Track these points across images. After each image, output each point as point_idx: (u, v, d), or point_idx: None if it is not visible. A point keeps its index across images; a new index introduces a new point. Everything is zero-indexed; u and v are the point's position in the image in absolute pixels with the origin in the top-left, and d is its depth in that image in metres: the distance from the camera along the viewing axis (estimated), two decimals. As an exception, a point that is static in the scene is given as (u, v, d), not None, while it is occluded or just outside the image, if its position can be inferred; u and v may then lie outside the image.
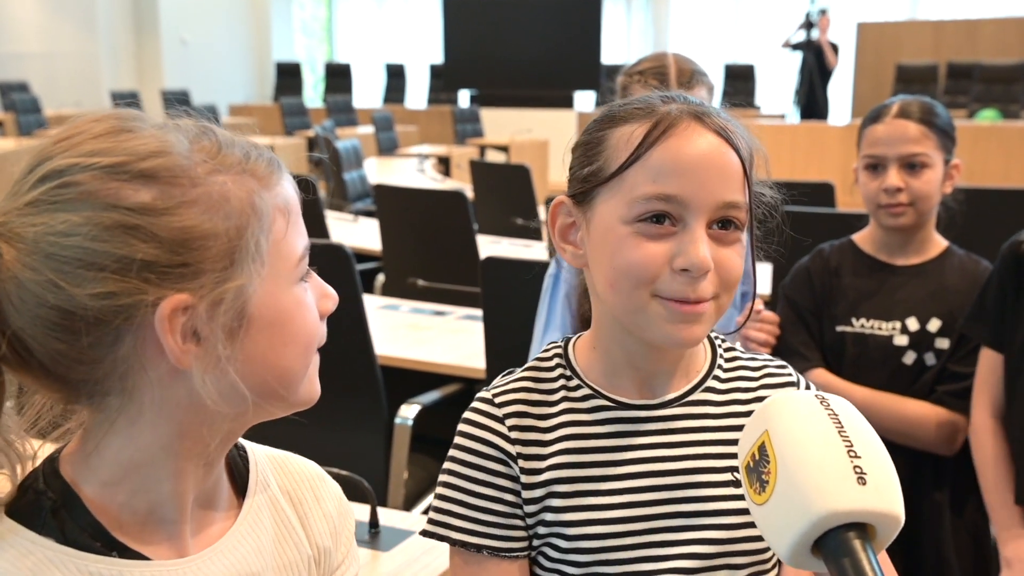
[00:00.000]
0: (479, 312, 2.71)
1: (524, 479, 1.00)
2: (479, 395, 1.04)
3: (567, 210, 1.01)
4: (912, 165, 1.87)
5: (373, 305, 3.36)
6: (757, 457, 0.72)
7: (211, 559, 0.82)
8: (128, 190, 0.73)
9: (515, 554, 1.00)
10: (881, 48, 11.99)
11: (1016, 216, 3.92)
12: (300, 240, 0.81)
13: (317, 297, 0.83)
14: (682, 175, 0.93)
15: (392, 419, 2.50)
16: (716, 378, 1.04)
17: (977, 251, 1.98)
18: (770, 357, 1.09)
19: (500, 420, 1.01)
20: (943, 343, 1.89)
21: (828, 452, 0.68)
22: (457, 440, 1.02)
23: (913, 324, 1.91)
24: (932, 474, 1.93)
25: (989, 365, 1.79)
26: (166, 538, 0.81)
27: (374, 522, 1.59)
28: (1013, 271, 1.74)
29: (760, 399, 1.04)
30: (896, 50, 11.84)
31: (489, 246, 4.34)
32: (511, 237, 4.87)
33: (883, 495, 0.66)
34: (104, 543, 0.77)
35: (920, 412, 1.90)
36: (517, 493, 1.00)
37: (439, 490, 1.02)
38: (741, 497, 0.98)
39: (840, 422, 0.70)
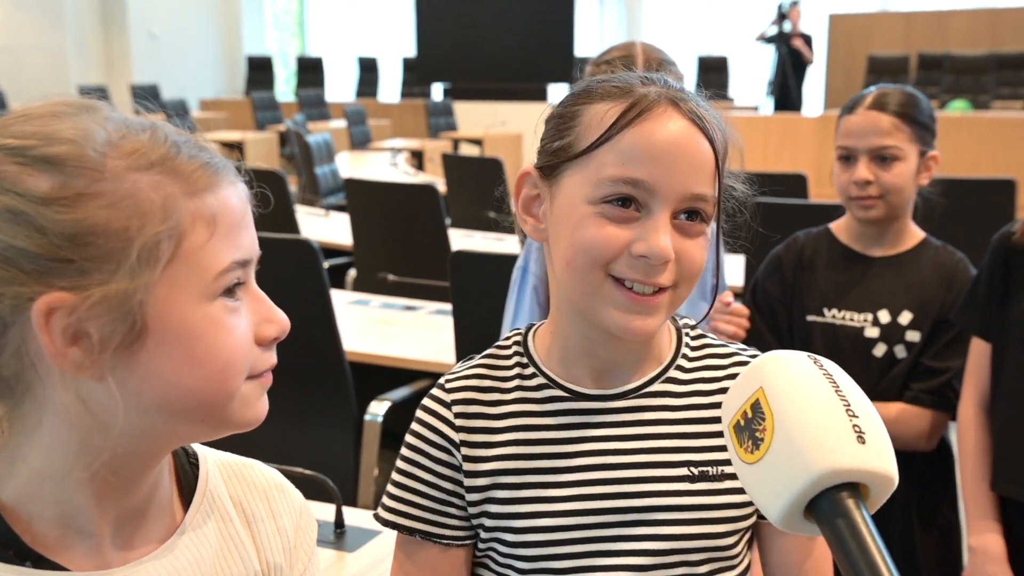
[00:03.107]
0: (450, 307, 2.70)
1: (467, 467, 0.99)
2: (437, 382, 1.04)
3: (533, 182, 0.99)
4: (883, 158, 1.86)
5: (343, 300, 3.35)
6: (750, 415, 0.70)
7: (135, 572, 0.78)
8: (26, 175, 0.70)
9: (447, 541, 1.00)
10: (852, 40, 12.07)
11: (987, 206, 3.95)
12: (227, 253, 0.75)
13: (258, 321, 0.78)
14: (652, 161, 0.91)
15: (362, 416, 2.49)
16: (679, 368, 1.02)
17: (951, 241, 1.98)
18: (742, 346, 1.07)
19: (447, 406, 1.00)
20: (914, 336, 1.89)
21: (828, 410, 0.66)
22: (412, 426, 1.02)
23: (884, 316, 1.90)
24: (902, 473, 1.92)
25: (978, 355, 1.79)
26: (84, 552, 0.77)
27: (339, 522, 1.57)
28: (1001, 261, 1.75)
29: (725, 390, 1.01)
30: (867, 42, 11.91)
31: (461, 240, 4.33)
32: (484, 231, 4.85)
33: (880, 455, 0.65)
34: (17, 552, 0.74)
35: (898, 413, 1.88)
36: (457, 482, 0.99)
37: (393, 475, 1.02)
38: (698, 492, 0.98)
39: (836, 382, 0.69)
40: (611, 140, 0.92)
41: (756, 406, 0.70)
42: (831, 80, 12.23)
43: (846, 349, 1.91)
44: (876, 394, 1.88)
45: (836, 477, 0.64)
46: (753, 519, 1.00)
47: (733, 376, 1.03)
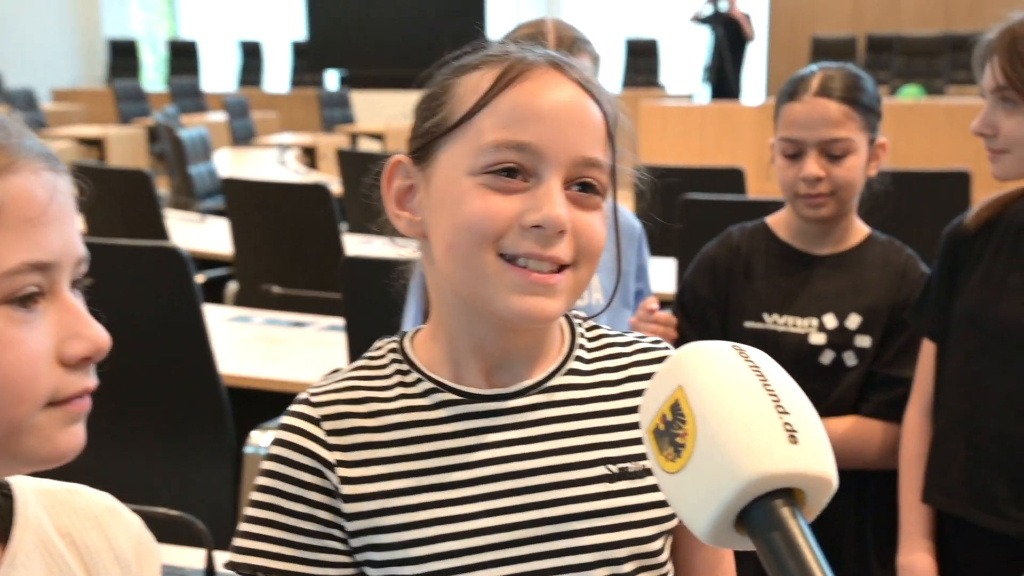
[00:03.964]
0: (343, 322, 2.70)
1: (345, 490, 0.96)
2: (296, 398, 1.01)
3: (405, 171, 0.99)
4: (833, 151, 1.86)
5: (221, 317, 3.33)
6: (670, 418, 0.69)
7: None
8: None
9: None
10: (795, 20, 12.37)
11: (943, 200, 4.07)
12: (14, 252, 0.72)
13: (63, 336, 0.75)
14: (537, 122, 0.92)
15: (241, 448, 2.46)
16: (579, 359, 1.03)
17: (902, 238, 2.01)
18: (640, 333, 1.09)
19: (316, 422, 0.97)
20: (864, 341, 1.90)
21: (755, 408, 0.66)
22: (269, 449, 0.99)
23: (831, 321, 1.92)
24: (855, 493, 1.95)
25: (926, 358, 1.83)
26: None
27: (210, 570, 1.54)
28: (949, 254, 1.79)
29: (633, 378, 1.03)
30: (811, 22, 12.22)
31: (359, 247, 4.30)
32: (387, 236, 4.83)
33: (817, 455, 0.65)
34: None
35: (852, 427, 1.91)
36: (334, 510, 0.96)
37: (246, 510, 0.98)
38: (620, 492, 0.98)
39: (763, 375, 0.68)
40: (489, 104, 0.93)
41: (676, 407, 0.69)
42: (772, 64, 12.51)
43: (790, 358, 1.92)
44: (827, 407, 1.90)
45: (768, 483, 0.64)
46: (678, 519, 1.01)
47: (639, 364, 1.04)
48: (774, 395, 0.67)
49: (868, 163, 1.91)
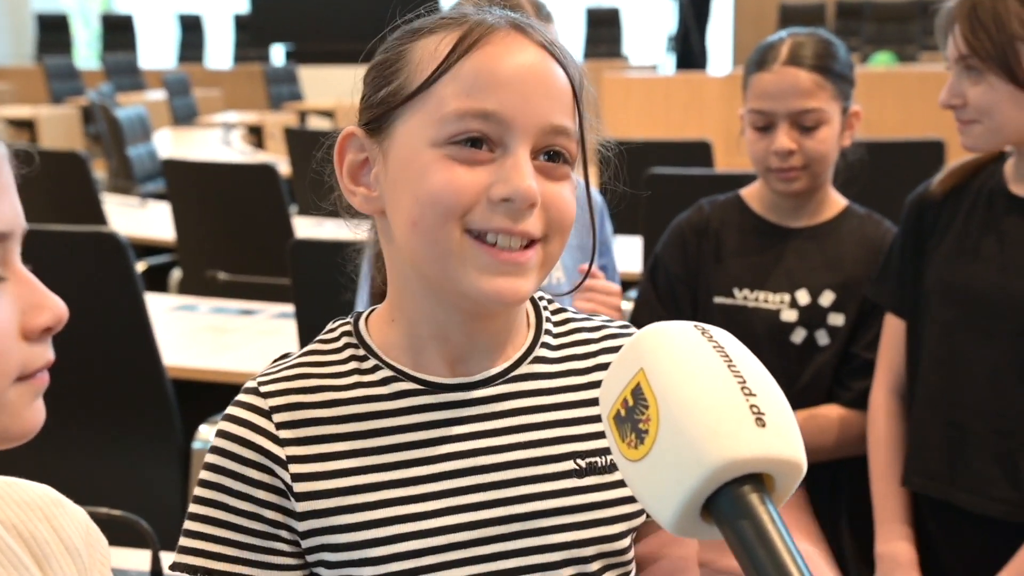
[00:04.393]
0: (294, 308, 2.69)
1: (298, 488, 0.94)
2: (244, 386, 0.99)
3: (359, 144, 0.97)
4: (805, 122, 1.87)
5: (165, 306, 3.31)
6: (631, 403, 0.69)
7: None
8: None
9: None
10: (763, -14, 12.40)
11: (916, 170, 4.11)
12: None
13: (24, 308, 0.76)
14: (501, 88, 0.91)
15: (189, 443, 2.45)
16: (545, 345, 1.02)
17: (875, 210, 2.02)
18: (607, 317, 1.08)
19: (266, 414, 0.95)
20: (837, 319, 1.91)
21: (719, 390, 0.66)
22: (213, 441, 0.96)
23: (803, 297, 1.92)
24: (828, 482, 1.96)
25: (892, 333, 1.83)
26: None
27: (156, 571, 1.53)
28: (913, 223, 1.80)
29: (601, 366, 1.03)
30: (779, -12, 12.26)
31: (310, 230, 4.29)
32: (338, 218, 4.81)
33: (785, 438, 0.65)
34: None
35: (840, 419, 1.91)
36: (285, 510, 0.95)
37: (190, 507, 0.96)
38: (588, 488, 0.98)
39: (728, 355, 0.68)
40: (450, 71, 0.92)
41: (637, 391, 0.69)
42: (739, 33, 12.55)
43: (761, 335, 1.92)
44: (799, 389, 1.91)
45: (735, 469, 0.63)
46: (645, 515, 1.01)
47: (607, 351, 1.03)
48: (739, 376, 0.67)
49: (842, 133, 1.91)
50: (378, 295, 1.07)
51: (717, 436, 0.64)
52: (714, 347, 0.69)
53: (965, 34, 1.63)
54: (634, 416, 0.68)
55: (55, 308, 0.77)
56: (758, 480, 0.64)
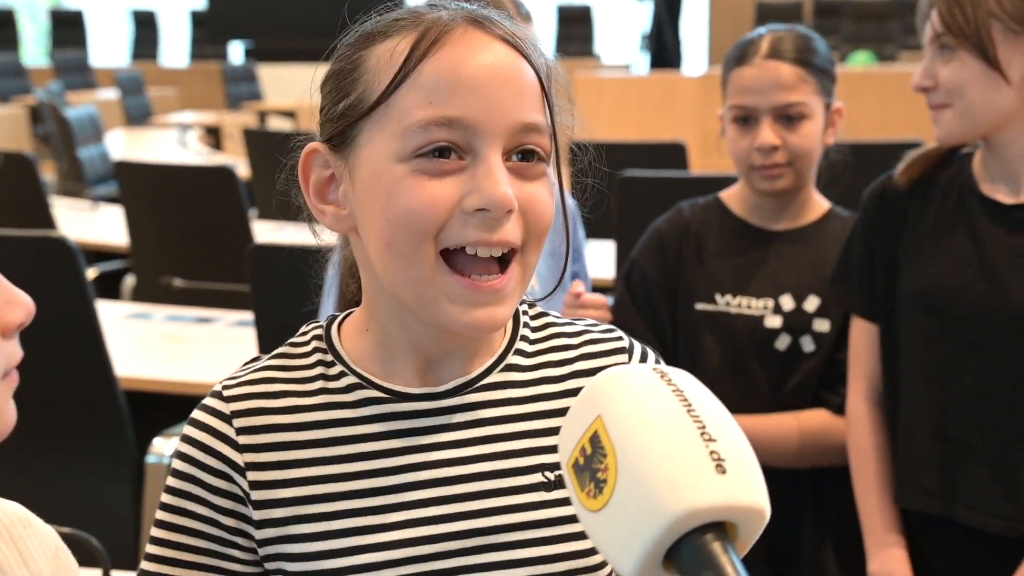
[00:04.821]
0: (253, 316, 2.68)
1: (256, 496, 0.95)
2: (212, 389, 0.99)
3: (322, 160, 0.97)
4: (788, 117, 1.87)
5: (117, 314, 3.29)
6: (589, 451, 0.69)
7: None
8: None
9: None
10: (738, -17, 12.49)
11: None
12: None
13: None
14: (464, 92, 0.90)
15: (143, 457, 2.44)
16: (520, 352, 1.02)
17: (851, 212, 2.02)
18: (592, 321, 1.07)
19: (227, 419, 0.96)
20: (822, 325, 1.90)
21: (678, 437, 0.67)
22: (177, 446, 0.97)
23: (788, 302, 1.91)
24: (812, 495, 1.96)
25: (863, 338, 1.82)
26: None
27: (109, 590, 1.52)
28: (876, 219, 1.79)
29: (578, 373, 1.02)
30: (756, -15, 12.35)
31: (270, 234, 4.28)
32: (300, 222, 4.80)
33: (746, 485, 0.66)
34: None
35: (827, 426, 1.90)
36: (242, 517, 0.95)
37: (156, 514, 0.97)
38: (557, 502, 0.97)
39: (687, 399, 0.69)
40: (409, 78, 0.91)
41: (595, 439, 0.69)
42: (715, 31, 12.62)
43: (744, 342, 1.92)
44: (784, 397, 1.91)
45: (695, 518, 0.64)
46: None
47: (586, 357, 1.03)
48: (699, 421, 0.68)
49: (825, 130, 1.91)
50: (350, 303, 1.07)
51: (676, 485, 0.65)
52: (673, 391, 0.70)
53: (942, 12, 1.64)
54: (592, 465, 0.69)
55: (26, 303, 0.78)
56: (720, 528, 0.65)
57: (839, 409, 1.90)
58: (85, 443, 2.41)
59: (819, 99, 1.89)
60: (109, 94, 10.48)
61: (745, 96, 1.90)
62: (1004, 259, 1.67)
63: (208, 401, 0.98)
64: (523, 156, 0.93)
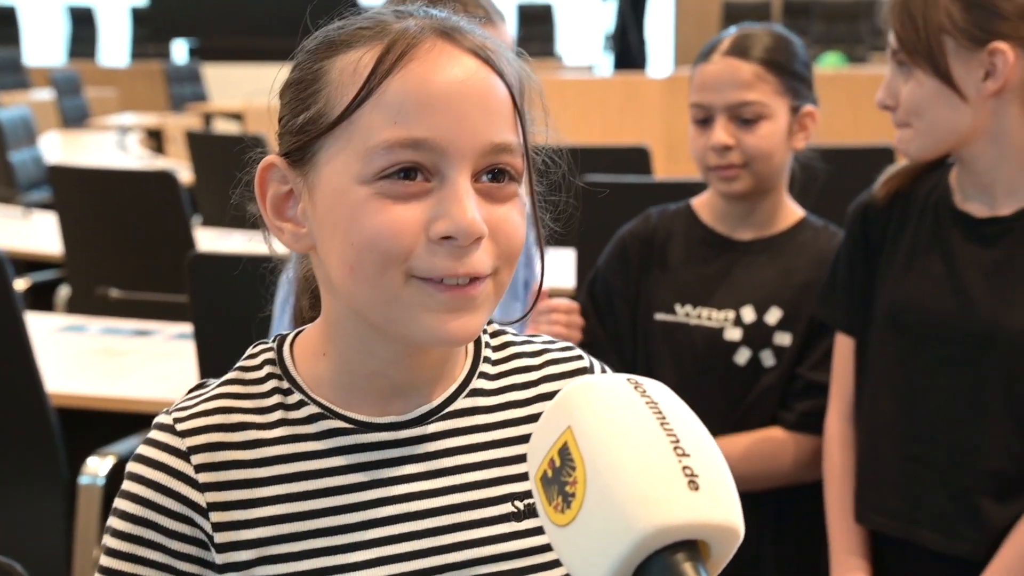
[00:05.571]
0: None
1: (220, 539, 0.93)
2: (157, 420, 0.97)
3: (280, 175, 0.96)
4: (744, 117, 1.88)
5: (50, 327, 3.27)
6: (558, 463, 0.69)
7: None
8: None
9: None
10: (705, -18, 12.58)
11: (865, 178, 4.16)
12: None
13: None
14: (432, 111, 0.89)
15: (75, 478, 2.42)
16: (484, 375, 1.02)
17: (828, 220, 2.02)
18: (550, 339, 1.07)
19: (184, 456, 0.94)
20: (783, 339, 1.91)
21: (651, 451, 0.67)
22: (124, 486, 0.95)
23: (749, 314, 1.92)
24: (774, 516, 1.96)
25: (843, 355, 1.84)
26: None
27: (35, 621, 1.50)
28: (860, 235, 1.81)
29: (543, 396, 1.02)
30: (722, -16, 12.44)
31: (214, 242, 4.27)
32: (247, 229, 4.78)
33: (720, 502, 0.66)
34: None
35: (784, 443, 1.91)
36: (203, 562, 0.94)
37: (102, 560, 0.95)
38: (527, 533, 0.97)
39: (661, 412, 0.69)
40: (373, 95, 0.89)
41: (564, 451, 0.69)
42: (681, 32, 12.70)
43: (702, 356, 1.93)
44: (743, 413, 1.92)
45: (666, 536, 0.64)
46: None
47: (549, 379, 1.03)
48: (673, 435, 0.68)
49: (794, 134, 1.91)
50: (303, 321, 1.05)
51: (647, 501, 0.65)
52: (647, 403, 0.70)
53: (895, 27, 1.67)
54: (561, 478, 0.69)
55: None
56: (692, 547, 0.65)
57: (794, 426, 1.91)
58: (12, 464, 2.39)
59: (782, 100, 1.90)
60: (44, 95, 10.39)
61: (703, 93, 1.91)
62: (973, 275, 1.69)
63: (158, 436, 0.95)
64: (494, 176, 0.92)
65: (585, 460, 0.68)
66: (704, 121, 1.91)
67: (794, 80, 1.91)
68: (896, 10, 1.67)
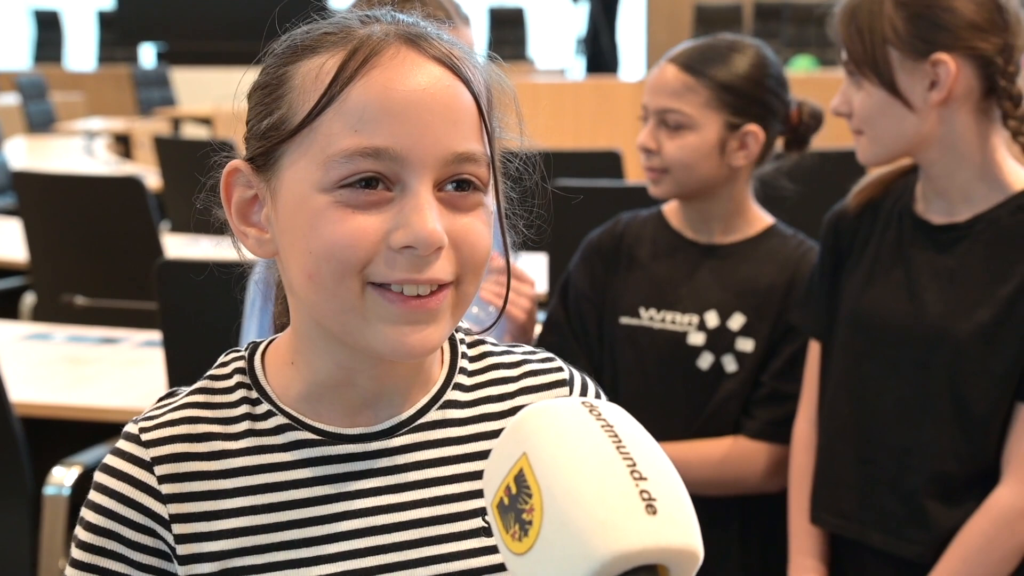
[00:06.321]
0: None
1: (182, 551, 0.93)
2: (124, 429, 0.97)
3: (245, 180, 0.96)
4: (668, 123, 1.90)
5: (14, 335, 3.27)
6: (514, 490, 0.69)
7: None
8: None
9: None
10: (677, -15, 12.63)
11: (835, 183, 4.18)
12: None
13: None
14: (393, 120, 0.88)
15: (40, 489, 2.42)
16: (459, 387, 1.01)
17: (801, 227, 2.03)
18: (531, 349, 1.07)
19: (147, 466, 0.94)
20: (746, 345, 1.92)
21: (607, 476, 0.67)
22: (90, 496, 0.95)
23: (712, 319, 1.93)
24: (739, 524, 1.97)
25: (814, 361, 1.87)
26: None
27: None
28: (831, 244, 1.84)
29: (520, 408, 1.01)
30: (694, -13, 12.50)
31: (183, 249, 4.26)
32: (216, 235, 4.76)
33: (678, 526, 0.66)
34: None
35: (732, 451, 1.92)
36: (166, 574, 0.94)
37: (67, 572, 0.95)
38: (496, 549, 0.96)
39: (617, 435, 0.69)
40: (335, 102, 0.89)
41: (520, 478, 0.69)
42: (652, 35, 12.74)
43: (665, 360, 1.94)
44: (705, 419, 1.93)
45: (625, 562, 0.64)
46: None
47: (526, 391, 1.03)
48: (629, 459, 0.68)
49: (732, 151, 1.90)
50: (279, 328, 1.05)
51: (604, 527, 0.65)
52: (602, 426, 0.70)
53: (843, 38, 1.72)
54: (517, 505, 0.69)
55: None
56: (652, 571, 0.65)
57: (757, 434, 1.93)
58: (-24, 475, 2.37)
59: (712, 114, 1.90)
60: (8, 99, 10.35)
61: (645, 94, 1.96)
62: (928, 281, 1.72)
63: (123, 445, 0.95)
64: (457, 186, 0.91)
65: (541, 487, 0.68)
66: (645, 120, 1.96)
67: (734, 96, 1.90)
68: (844, 22, 1.72)
